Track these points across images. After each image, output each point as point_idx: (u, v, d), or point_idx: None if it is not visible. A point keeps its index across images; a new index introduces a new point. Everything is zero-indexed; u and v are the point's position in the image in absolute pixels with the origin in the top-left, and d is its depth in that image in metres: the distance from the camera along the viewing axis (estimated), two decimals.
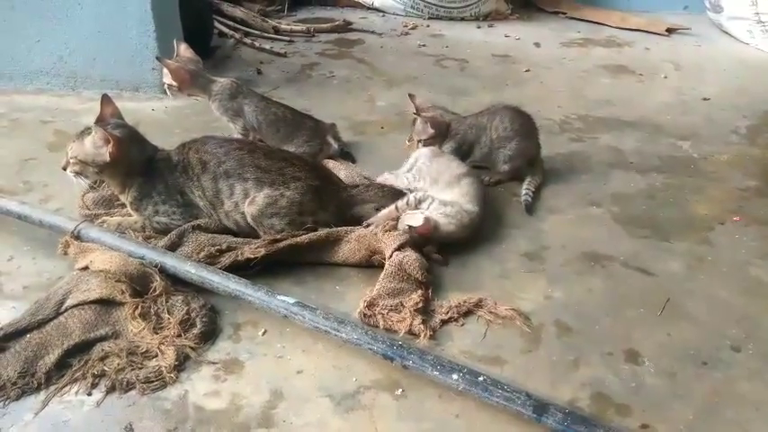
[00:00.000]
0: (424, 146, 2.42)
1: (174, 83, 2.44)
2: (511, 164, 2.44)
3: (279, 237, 1.92)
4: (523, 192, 2.36)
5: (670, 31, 4.57)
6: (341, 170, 2.39)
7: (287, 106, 2.58)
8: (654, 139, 2.92)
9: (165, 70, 2.44)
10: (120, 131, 1.95)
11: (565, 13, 4.97)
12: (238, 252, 1.87)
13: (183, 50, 2.52)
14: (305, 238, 1.91)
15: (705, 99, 3.42)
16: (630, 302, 1.87)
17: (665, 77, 3.74)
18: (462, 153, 2.45)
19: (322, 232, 1.93)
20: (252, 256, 1.85)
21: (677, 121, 3.13)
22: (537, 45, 4.29)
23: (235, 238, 1.97)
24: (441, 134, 2.44)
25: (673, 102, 3.38)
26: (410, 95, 2.48)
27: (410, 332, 1.70)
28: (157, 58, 2.53)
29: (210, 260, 1.86)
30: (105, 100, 2.05)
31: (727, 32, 4.57)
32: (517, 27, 4.68)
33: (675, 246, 2.14)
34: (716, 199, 2.44)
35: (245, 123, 2.50)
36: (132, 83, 3.12)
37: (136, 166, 1.98)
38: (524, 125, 2.46)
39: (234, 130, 2.51)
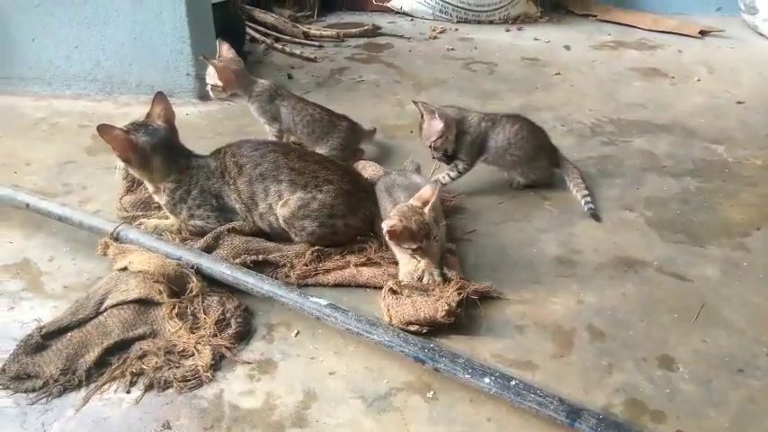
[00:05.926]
0: (434, 149, 2.33)
1: (220, 83, 2.46)
2: (525, 179, 2.44)
3: (317, 268, 1.93)
4: (583, 202, 2.32)
5: (703, 33, 4.50)
6: (368, 168, 2.41)
7: (324, 108, 2.59)
8: (687, 143, 2.89)
9: (210, 70, 2.47)
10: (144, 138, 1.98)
11: (595, 16, 4.93)
12: (278, 273, 1.91)
13: (226, 51, 2.55)
14: (340, 276, 1.92)
15: (739, 102, 3.36)
16: (665, 308, 1.85)
17: (699, 80, 3.69)
18: (476, 148, 2.37)
19: (351, 274, 1.92)
20: (293, 281, 1.89)
21: (711, 124, 3.09)
22: (567, 48, 4.27)
23: (268, 244, 2.00)
24: (450, 129, 2.30)
25: (706, 105, 3.33)
26: (414, 102, 2.40)
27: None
28: (204, 56, 2.55)
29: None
30: (158, 98, 2.06)
31: (762, 34, 4.49)
32: (547, 30, 4.65)
33: (710, 251, 2.11)
34: (751, 204, 2.40)
35: (281, 126, 2.53)
36: (167, 88, 3.14)
37: (164, 170, 2.01)
38: (540, 141, 2.44)
39: (269, 133, 2.55)
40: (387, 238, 1.82)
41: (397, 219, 1.77)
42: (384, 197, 2.05)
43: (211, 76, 2.48)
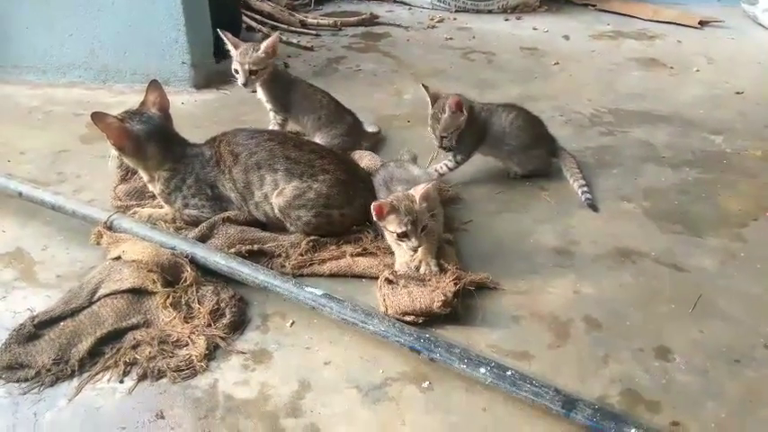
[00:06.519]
0: (444, 144, 2.29)
1: (262, 55, 2.43)
2: (522, 169, 2.42)
3: (313, 258, 1.91)
4: (580, 192, 2.31)
5: (703, 23, 4.48)
6: (365, 158, 2.40)
7: (333, 97, 2.59)
8: (686, 134, 2.87)
9: (236, 53, 2.45)
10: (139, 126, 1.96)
11: (594, 6, 4.90)
12: (273, 263, 1.90)
13: (232, 38, 2.51)
14: (336, 267, 1.90)
15: (738, 93, 3.34)
16: (662, 298, 1.84)
17: (698, 71, 3.67)
18: (475, 138, 2.34)
19: (347, 264, 1.90)
20: (289, 271, 1.87)
21: (710, 114, 3.07)
22: (566, 38, 4.24)
23: (263, 233, 1.99)
24: (465, 120, 2.25)
25: (705, 95, 3.31)
26: (424, 86, 2.34)
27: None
28: (222, 32, 2.55)
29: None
30: (152, 86, 2.03)
31: (762, 25, 4.46)
32: (546, 19, 4.62)
33: (708, 241, 2.11)
34: (749, 194, 2.39)
35: (287, 115, 2.54)
36: (162, 76, 3.11)
37: (159, 159, 1.99)
38: (536, 130, 2.42)
39: (272, 120, 2.54)
40: (373, 215, 1.82)
41: (388, 200, 1.79)
42: (382, 190, 2.04)
43: (239, 60, 2.44)
